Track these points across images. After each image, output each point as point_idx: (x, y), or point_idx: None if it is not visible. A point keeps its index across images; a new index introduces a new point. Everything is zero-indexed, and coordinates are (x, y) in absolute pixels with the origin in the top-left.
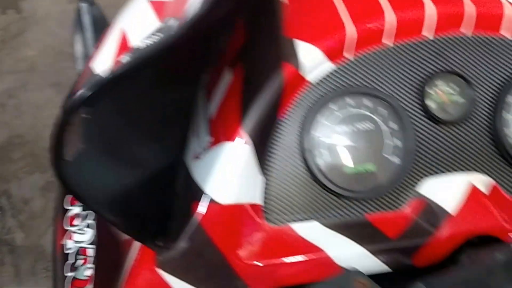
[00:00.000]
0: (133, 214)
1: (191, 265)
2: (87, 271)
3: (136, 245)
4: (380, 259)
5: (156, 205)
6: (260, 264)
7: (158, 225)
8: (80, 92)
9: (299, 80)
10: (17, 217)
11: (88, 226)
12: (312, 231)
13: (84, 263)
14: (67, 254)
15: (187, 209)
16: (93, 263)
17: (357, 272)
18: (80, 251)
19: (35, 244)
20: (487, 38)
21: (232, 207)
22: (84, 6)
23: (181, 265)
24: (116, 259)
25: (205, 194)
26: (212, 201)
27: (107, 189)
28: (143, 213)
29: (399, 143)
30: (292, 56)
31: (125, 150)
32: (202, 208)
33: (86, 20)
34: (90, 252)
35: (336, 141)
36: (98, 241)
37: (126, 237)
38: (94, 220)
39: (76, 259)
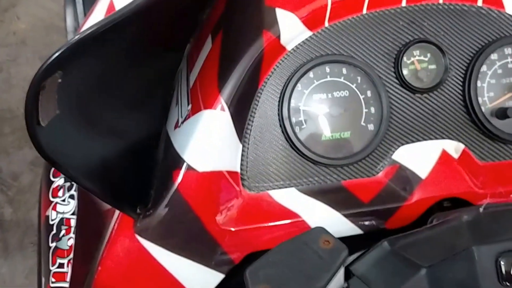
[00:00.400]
0: (112, 182)
1: (169, 231)
2: (70, 241)
3: (117, 214)
4: (354, 223)
5: (136, 174)
6: (236, 229)
7: (137, 193)
8: (51, 55)
9: (279, 48)
10: (6, 193)
11: (71, 197)
12: (289, 197)
13: (67, 233)
14: (52, 225)
15: (167, 177)
16: (74, 233)
17: (322, 230)
18: (64, 221)
19: (23, 218)
20: (461, 7)
21: (210, 174)
22: None
23: (159, 231)
24: (97, 229)
25: (184, 161)
26: (190, 168)
27: (85, 157)
28: (123, 181)
29: (374, 110)
30: (272, 24)
31: (105, 119)
32: (180, 175)
33: (80, 7)
34: (73, 222)
35: (314, 109)
36: (79, 211)
37: (107, 206)
38: (76, 191)
39: (59, 230)
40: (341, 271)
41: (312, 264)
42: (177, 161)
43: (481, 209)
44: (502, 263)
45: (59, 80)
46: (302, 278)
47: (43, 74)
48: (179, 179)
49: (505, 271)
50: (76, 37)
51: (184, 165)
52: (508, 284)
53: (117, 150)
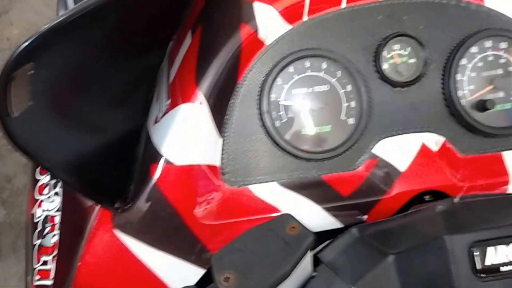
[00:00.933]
0: (90, 175)
1: (148, 226)
2: (54, 238)
3: (97, 209)
4: (334, 216)
5: (116, 168)
6: (216, 224)
7: (116, 187)
8: (20, 45)
9: (258, 42)
10: (0, 195)
11: (56, 194)
12: (269, 192)
13: (51, 230)
14: (37, 222)
15: (145, 172)
16: (59, 229)
17: (289, 216)
18: (48, 219)
19: (16, 221)
20: (440, 1)
21: (188, 168)
22: None
23: (138, 226)
24: (80, 225)
25: (161, 156)
26: (168, 162)
27: (61, 149)
28: (101, 175)
29: (354, 104)
30: (250, 18)
31: (85, 113)
32: (158, 169)
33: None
34: (57, 219)
35: (294, 103)
36: (63, 208)
37: (89, 203)
38: (61, 187)
39: (44, 227)
40: (308, 258)
41: (277, 250)
42: (155, 155)
43: (456, 199)
44: (475, 253)
45: (32, 71)
46: (267, 263)
47: (12, 65)
48: (157, 173)
49: (480, 262)
50: (45, 27)
51: (162, 160)
52: (483, 275)
53: (96, 144)
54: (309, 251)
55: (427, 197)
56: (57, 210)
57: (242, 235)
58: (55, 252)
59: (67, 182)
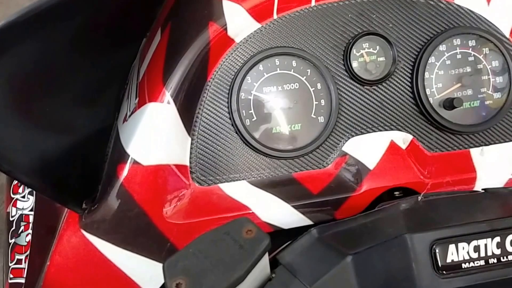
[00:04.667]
0: (54, 177)
1: (115, 226)
2: (28, 237)
3: (67, 209)
4: (304, 214)
5: (84, 169)
6: (185, 222)
7: (84, 188)
8: None
9: (227, 40)
10: None
11: (30, 193)
12: (239, 190)
13: (25, 229)
14: (12, 221)
15: (112, 172)
16: (32, 229)
17: (245, 220)
18: (23, 218)
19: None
20: (409, 0)
21: (156, 168)
22: None
23: (105, 226)
24: (52, 224)
25: (128, 155)
26: (135, 163)
27: (23, 149)
28: (67, 176)
29: (324, 103)
30: (218, 16)
31: (50, 112)
32: (125, 170)
33: None
34: (32, 218)
35: (264, 102)
36: (36, 207)
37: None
38: None
39: (18, 226)
40: (266, 261)
41: (232, 254)
42: (122, 155)
43: (419, 198)
44: (436, 251)
45: None
46: (221, 268)
47: None
48: (124, 173)
49: (441, 259)
50: (1, 22)
51: (129, 159)
52: (444, 272)
53: (62, 145)
54: (266, 254)
55: (397, 193)
56: (31, 210)
57: (197, 239)
58: (29, 251)
59: (29, 185)
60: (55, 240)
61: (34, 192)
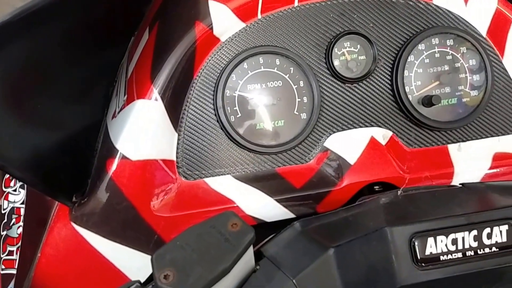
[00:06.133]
0: (45, 171)
1: (104, 219)
2: (19, 229)
3: (57, 202)
4: (286, 207)
5: (74, 163)
6: (172, 215)
7: (74, 182)
8: None
9: (212, 39)
10: None
11: (22, 187)
12: (224, 184)
13: (16, 222)
14: (3, 214)
15: (102, 166)
16: (23, 222)
17: (231, 214)
18: (14, 211)
19: None
20: (390, 0)
21: (144, 163)
22: None
23: (95, 219)
24: (43, 217)
25: (117, 150)
26: (123, 157)
27: (14, 144)
28: (58, 170)
29: (306, 100)
30: (205, 16)
31: (42, 108)
32: (114, 164)
33: None
34: (23, 211)
35: (248, 99)
36: (27, 200)
37: None
38: None
39: (10, 218)
40: (250, 253)
41: (218, 247)
42: (111, 150)
43: (399, 192)
44: (416, 243)
45: None
46: (207, 260)
47: None
48: (113, 168)
49: (419, 252)
50: None
51: (118, 154)
52: (423, 264)
53: (53, 140)
54: (251, 247)
55: (376, 188)
56: (22, 203)
57: (184, 232)
58: (20, 243)
59: (21, 179)
60: (46, 232)
61: (26, 185)
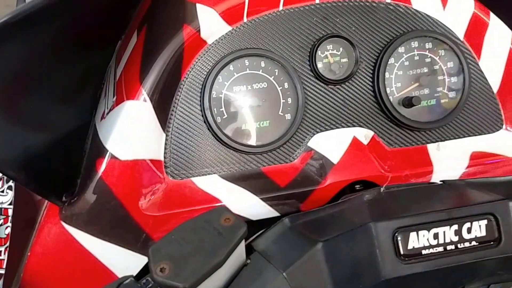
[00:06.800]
0: (36, 170)
1: (94, 218)
2: (7, 230)
3: (47, 202)
4: (272, 206)
5: (64, 163)
6: (160, 214)
7: (64, 182)
8: None
9: (200, 42)
10: None
11: (9, 188)
12: (211, 183)
13: (4, 222)
14: None
15: (91, 166)
16: (11, 222)
17: (223, 209)
18: (2, 211)
19: None
20: (371, 3)
21: (133, 163)
22: None
23: (84, 218)
24: (31, 217)
25: (107, 150)
26: (113, 157)
27: (8, 146)
28: (48, 170)
29: (290, 101)
30: (192, 19)
31: (32, 110)
32: (103, 164)
33: None
34: (11, 212)
35: (234, 100)
36: (15, 201)
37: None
38: (13, 182)
39: None
40: (242, 247)
41: (212, 241)
42: (101, 150)
43: (382, 189)
44: (399, 238)
45: None
46: (202, 253)
47: None
48: (103, 167)
49: (402, 246)
50: None
51: (107, 154)
52: (406, 258)
53: (44, 141)
54: (243, 241)
55: (357, 186)
56: (10, 204)
57: (178, 227)
58: (8, 243)
59: (13, 178)
60: (35, 231)
61: (13, 187)
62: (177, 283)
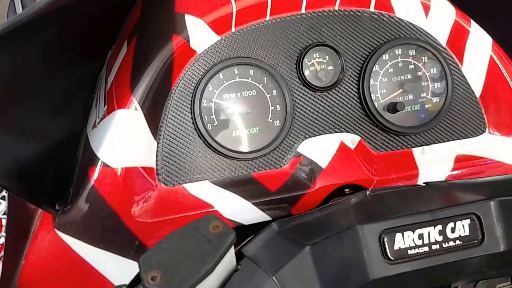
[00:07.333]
0: (29, 179)
1: (87, 225)
2: (1, 240)
3: (40, 211)
4: (263, 210)
5: (56, 172)
6: (153, 221)
7: (57, 190)
8: None
9: (189, 51)
10: None
11: (2, 198)
12: (203, 189)
13: None
14: None
15: (84, 175)
16: (5, 232)
17: (212, 217)
18: None
19: None
20: (355, 13)
21: (125, 170)
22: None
23: (78, 226)
24: (25, 227)
25: (99, 159)
26: (105, 165)
27: (1, 155)
28: (41, 179)
29: (279, 108)
30: (181, 29)
31: (24, 120)
32: (96, 172)
33: (19, 9)
34: (4, 222)
35: (224, 107)
36: (9, 211)
37: (34, 205)
38: (6, 192)
39: None
40: (232, 253)
41: (201, 248)
42: (93, 158)
43: (368, 192)
44: (385, 240)
45: None
46: (192, 261)
47: None
48: (95, 175)
49: (389, 247)
50: None
51: (99, 163)
52: (392, 259)
53: (36, 150)
54: (232, 247)
55: (347, 190)
56: (4, 214)
57: (168, 236)
58: (2, 253)
59: (6, 187)
60: (30, 240)
61: (6, 197)
62: None
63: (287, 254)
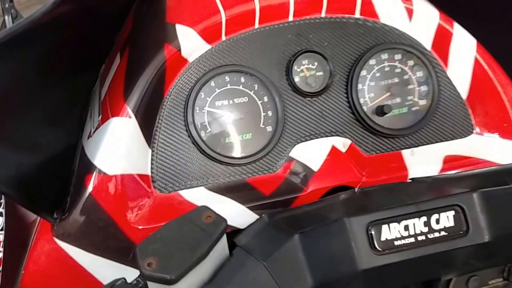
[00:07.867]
0: (28, 188)
1: (85, 233)
2: (0, 254)
3: (38, 222)
4: (258, 214)
5: (54, 181)
6: (149, 227)
7: (54, 199)
8: None
9: (181, 60)
10: None
11: (0, 214)
12: (198, 195)
13: None
14: None
15: (80, 183)
16: (3, 247)
17: (205, 208)
18: None
19: None
20: (341, 19)
21: (121, 177)
22: (8, 19)
23: (76, 233)
24: (23, 240)
25: (95, 167)
26: (101, 172)
27: (1, 165)
28: (39, 188)
29: (271, 113)
30: (173, 39)
31: (21, 132)
32: (92, 180)
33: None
34: (2, 237)
35: (217, 114)
36: (7, 227)
37: (31, 219)
38: (4, 208)
39: None
40: (224, 242)
41: (194, 236)
42: (89, 167)
43: (356, 190)
44: (372, 231)
45: None
46: (186, 248)
47: None
48: (91, 183)
49: (376, 239)
50: None
51: (96, 170)
52: (380, 250)
53: (34, 160)
54: (224, 235)
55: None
56: (1, 229)
57: (163, 226)
58: (0, 268)
59: (7, 194)
60: (29, 249)
61: (4, 213)
62: (164, 274)
63: (277, 242)
